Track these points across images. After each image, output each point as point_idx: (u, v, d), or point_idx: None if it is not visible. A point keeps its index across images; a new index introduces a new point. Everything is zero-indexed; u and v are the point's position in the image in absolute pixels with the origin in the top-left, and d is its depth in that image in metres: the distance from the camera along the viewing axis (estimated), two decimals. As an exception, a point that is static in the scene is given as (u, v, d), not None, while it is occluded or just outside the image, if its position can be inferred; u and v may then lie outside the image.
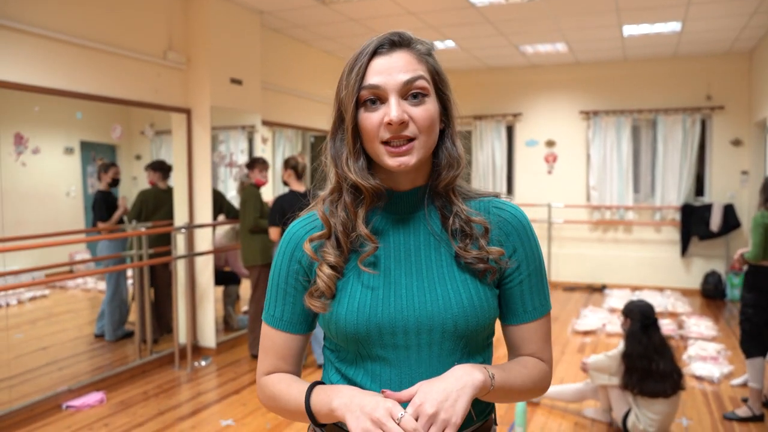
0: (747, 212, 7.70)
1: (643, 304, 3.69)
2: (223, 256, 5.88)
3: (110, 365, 4.91)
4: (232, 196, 5.92)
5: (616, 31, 6.70)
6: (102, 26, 4.48)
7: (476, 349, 1.15)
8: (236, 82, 5.52)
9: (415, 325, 1.09)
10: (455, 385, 1.01)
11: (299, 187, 4.93)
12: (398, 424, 0.96)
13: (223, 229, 5.80)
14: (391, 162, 1.08)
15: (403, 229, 1.16)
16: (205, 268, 5.34)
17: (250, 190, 5.15)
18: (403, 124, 1.06)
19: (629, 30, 6.62)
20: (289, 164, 4.94)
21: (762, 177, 7.31)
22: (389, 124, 1.06)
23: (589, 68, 8.43)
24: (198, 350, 5.32)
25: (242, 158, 5.95)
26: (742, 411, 4.00)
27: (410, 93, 1.08)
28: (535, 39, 7.12)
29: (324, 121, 7.42)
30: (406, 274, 1.12)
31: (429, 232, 1.15)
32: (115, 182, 5.57)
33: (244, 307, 6.48)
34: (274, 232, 4.81)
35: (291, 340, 1.20)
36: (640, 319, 3.59)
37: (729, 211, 7.70)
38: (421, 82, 1.08)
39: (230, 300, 6.10)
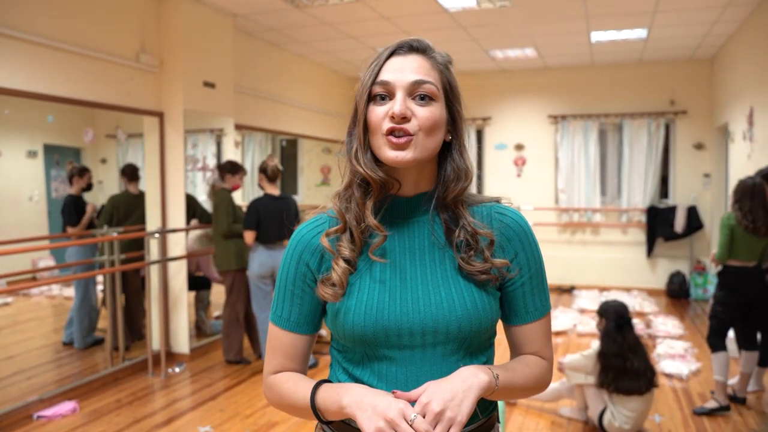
0: (710, 214, 7.92)
1: (618, 304, 3.77)
2: (195, 261, 5.81)
3: (81, 373, 4.81)
4: (202, 200, 5.87)
5: (585, 37, 6.83)
6: (74, 28, 4.40)
7: (479, 349, 1.19)
8: (209, 85, 5.48)
9: (420, 327, 1.12)
10: (461, 386, 1.04)
11: (273, 191, 4.92)
12: (411, 425, 0.98)
13: (195, 234, 5.74)
14: (389, 154, 1.11)
15: (408, 234, 1.19)
16: (179, 273, 5.28)
17: (222, 195, 5.09)
18: (405, 118, 1.10)
19: (597, 36, 6.76)
20: (259, 168, 4.96)
21: (723, 180, 7.55)
22: (392, 117, 1.10)
23: (558, 73, 8.58)
24: (171, 356, 5.25)
25: (212, 162, 5.90)
26: (710, 404, 4.12)
27: (418, 94, 1.12)
28: (505, 44, 7.23)
29: (295, 125, 7.43)
30: (411, 278, 1.15)
31: (432, 238, 1.18)
32: (89, 187, 5.45)
33: (216, 313, 6.42)
34: (249, 236, 4.78)
35: (298, 340, 1.23)
36: (615, 319, 3.66)
37: (692, 213, 7.91)
38: (429, 87, 1.12)
39: (202, 305, 6.03)
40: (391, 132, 1.10)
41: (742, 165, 6.19)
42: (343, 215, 1.17)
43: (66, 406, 4.12)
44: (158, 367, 4.95)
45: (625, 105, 8.28)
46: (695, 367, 4.96)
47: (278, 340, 1.24)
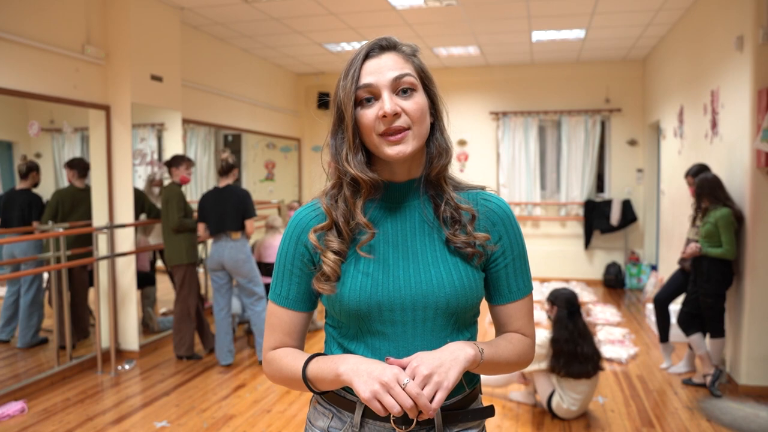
0: (642, 207, 8.32)
1: (568, 292, 3.94)
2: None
3: (26, 373, 4.68)
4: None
5: (526, 36, 7.06)
6: (17, 18, 4.26)
7: (464, 325, 1.28)
8: (157, 78, 5.39)
9: (411, 303, 1.20)
10: (449, 357, 1.13)
11: (221, 183, 4.95)
12: (403, 389, 1.06)
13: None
14: (390, 151, 1.18)
15: (400, 216, 1.27)
16: (127, 269, 5.19)
17: (172, 189, 5.03)
18: (396, 115, 1.17)
19: (538, 35, 6.99)
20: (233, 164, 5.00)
21: (655, 174, 7.94)
22: (384, 116, 1.17)
23: (499, 71, 8.81)
24: (120, 354, 5.16)
25: (154, 156, 5.82)
26: (698, 378, 4.51)
27: (400, 88, 1.20)
28: (450, 42, 7.38)
29: (240, 120, 7.39)
30: (403, 257, 1.23)
31: (423, 219, 1.27)
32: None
33: (162, 309, 6.34)
34: (203, 228, 4.82)
35: (296, 317, 1.30)
36: (566, 306, 3.84)
37: (627, 206, 8.29)
38: (408, 78, 1.20)
39: (149, 302, 5.93)
40: (386, 133, 1.18)
41: (673, 160, 6.53)
42: (330, 212, 1.24)
43: (13, 407, 4.01)
44: (107, 364, 4.87)
45: (563, 102, 8.59)
46: (633, 352, 5.23)
47: (277, 317, 1.30)
